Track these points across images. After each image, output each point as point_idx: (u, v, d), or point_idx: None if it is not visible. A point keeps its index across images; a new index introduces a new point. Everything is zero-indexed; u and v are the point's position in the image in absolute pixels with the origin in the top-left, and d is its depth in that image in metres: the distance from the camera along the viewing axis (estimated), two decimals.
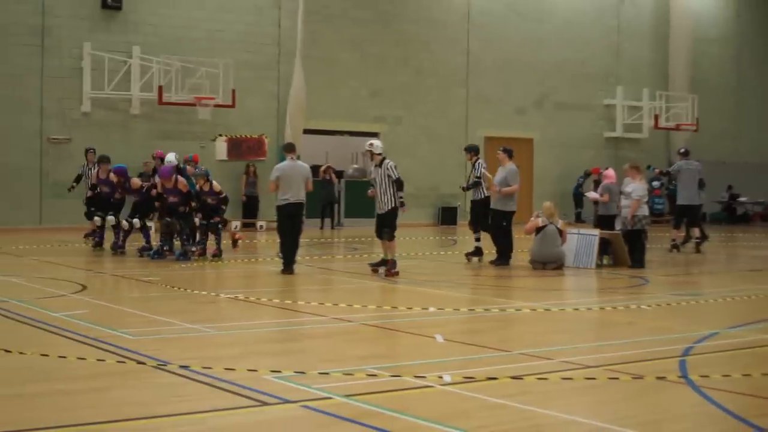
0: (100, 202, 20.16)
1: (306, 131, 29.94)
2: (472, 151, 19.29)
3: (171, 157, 19.61)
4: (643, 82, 37.42)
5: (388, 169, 16.48)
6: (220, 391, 7.57)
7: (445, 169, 32.57)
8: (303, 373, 8.19)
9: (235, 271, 17.78)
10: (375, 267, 16.76)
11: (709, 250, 22.91)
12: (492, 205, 18.76)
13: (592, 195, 20.47)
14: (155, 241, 19.56)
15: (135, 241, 20.13)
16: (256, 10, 30.12)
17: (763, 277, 18.19)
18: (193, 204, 18.71)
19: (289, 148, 17.26)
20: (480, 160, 19.10)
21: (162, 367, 8.40)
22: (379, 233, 16.79)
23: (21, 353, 8.89)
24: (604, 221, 19.49)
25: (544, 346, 9.93)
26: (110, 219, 19.69)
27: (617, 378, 8.25)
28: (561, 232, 17.96)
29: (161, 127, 28.31)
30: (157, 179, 19.34)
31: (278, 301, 13.11)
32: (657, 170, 25.42)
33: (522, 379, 8.13)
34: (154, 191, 19.34)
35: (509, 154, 19.00)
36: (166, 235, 18.92)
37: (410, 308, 12.57)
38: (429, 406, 7.27)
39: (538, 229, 17.94)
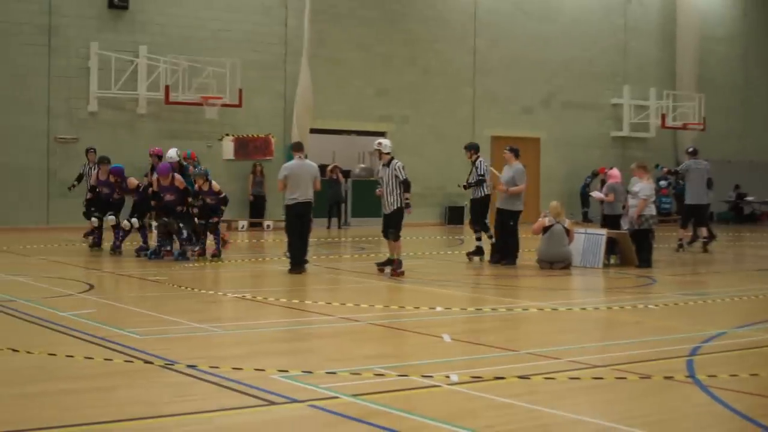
0: (99, 203, 20.01)
1: (313, 131, 29.95)
2: (472, 149, 19.16)
3: (172, 153, 19.55)
4: (650, 81, 37.39)
5: (395, 169, 16.44)
6: (228, 390, 7.58)
7: (452, 168, 32.46)
8: (310, 372, 8.19)
9: (243, 270, 17.78)
10: (381, 267, 16.75)
11: (716, 250, 22.86)
12: (499, 205, 18.72)
13: (596, 195, 20.44)
14: (152, 240, 19.37)
15: (135, 241, 19.98)
16: (263, 9, 30.12)
17: None
18: (190, 200, 18.45)
19: (298, 147, 17.23)
20: (481, 158, 19.03)
21: (169, 366, 8.41)
22: (386, 233, 16.78)
23: (28, 352, 8.90)
24: (610, 221, 19.47)
25: (552, 346, 9.93)
26: (110, 219, 19.46)
27: (624, 378, 8.24)
28: (568, 232, 17.94)
29: (168, 127, 28.33)
30: (154, 177, 19.02)
31: (285, 300, 13.11)
32: (665, 169, 25.36)
33: (529, 378, 8.13)
34: (150, 190, 19.01)
35: (516, 153, 18.96)
36: (163, 235, 18.65)
37: (417, 308, 12.57)
38: (436, 405, 7.27)
39: (545, 229, 17.92)
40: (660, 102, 36.85)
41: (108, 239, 20.06)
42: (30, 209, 26.79)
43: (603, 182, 27.31)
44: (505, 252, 18.53)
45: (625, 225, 19.03)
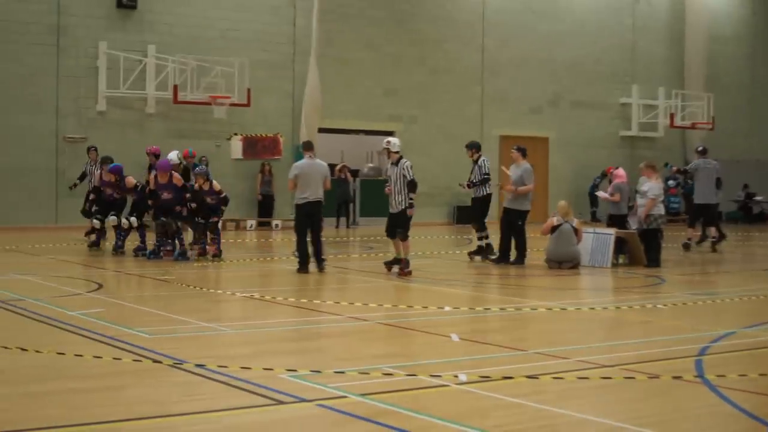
0: (102, 203, 19.89)
1: (321, 130, 29.96)
2: (474, 147, 19.11)
3: (173, 156, 19.56)
4: (658, 80, 37.33)
5: (404, 168, 16.39)
6: (236, 389, 7.58)
7: (460, 167, 32.22)
8: (319, 371, 8.19)
9: (251, 270, 17.79)
10: (389, 266, 16.73)
11: (725, 250, 22.82)
12: (506, 204, 18.70)
13: (601, 194, 20.41)
14: (150, 240, 19.19)
15: (134, 240, 19.87)
16: (271, 9, 30.14)
17: None
18: (188, 196, 18.31)
19: (308, 147, 17.18)
20: (484, 157, 18.99)
21: (178, 365, 8.42)
22: (391, 232, 16.72)
23: (37, 351, 8.91)
24: (615, 221, 19.44)
25: (560, 346, 9.92)
26: (112, 219, 19.27)
27: (633, 377, 8.23)
28: (576, 231, 17.92)
29: (176, 126, 28.38)
30: (151, 175, 18.91)
31: (294, 300, 13.11)
32: (674, 168, 25.32)
33: (538, 378, 8.12)
34: (147, 189, 18.86)
35: (523, 152, 18.93)
36: (161, 235, 18.47)
37: (426, 307, 12.56)
38: (445, 405, 7.26)
39: (554, 228, 17.90)
40: (668, 101, 36.80)
41: (110, 239, 20.02)
42: (39, 209, 26.85)
43: (611, 182, 27.27)
44: (508, 252, 18.49)
45: (633, 224, 18.99)
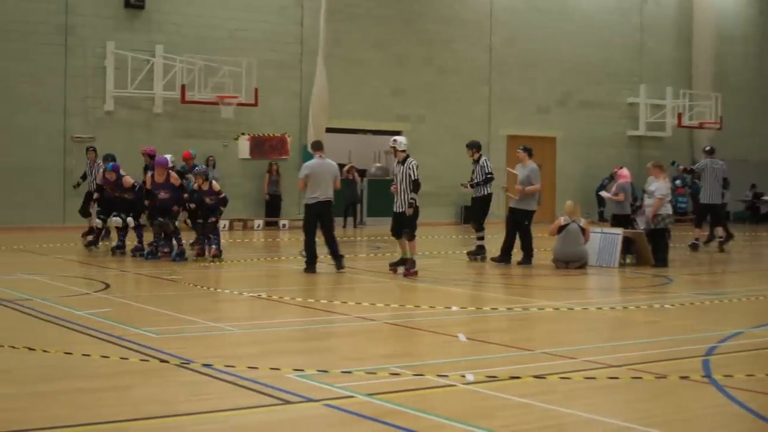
0: (103, 203, 19.85)
1: (329, 130, 29.91)
2: (474, 147, 19.11)
3: (168, 159, 19.57)
4: (666, 80, 37.28)
5: (410, 167, 16.37)
6: (243, 389, 7.59)
7: (467, 167, 32.16)
8: (326, 371, 8.20)
9: (258, 269, 17.80)
10: (394, 266, 16.71)
11: (732, 250, 22.79)
12: (513, 204, 18.71)
13: (605, 194, 20.39)
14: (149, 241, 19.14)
15: (135, 241, 19.84)
16: (279, 9, 30.17)
17: None
18: (186, 196, 18.28)
19: (318, 147, 17.13)
20: (485, 157, 18.98)
21: (185, 365, 8.43)
22: (397, 231, 16.70)
23: (45, 351, 8.93)
24: (619, 220, 19.42)
25: (567, 346, 9.92)
26: (115, 220, 19.10)
27: (640, 377, 8.22)
28: (584, 231, 17.90)
29: (184, 126, 28.41)
30: (148, 175, 18.83)
31: (301, 299, 13.12)
32: (681, 167, 25.30)
33: (545, 378, 8.11)
34: (144, 189, 18.77)
35: (529, 152, 18.92)
36: (158, 235, 18.38)
37: (433, 307, 12.56)
38: (452, 405, 7.26)
39: (561, 228, 17.88)
40: (676, 101, 36.74)
41: (111, 240, 20.00)
42: (46, 208, 26.89)
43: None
44: (509, 252, 18.48)
45: (641, 224, 18.97)
